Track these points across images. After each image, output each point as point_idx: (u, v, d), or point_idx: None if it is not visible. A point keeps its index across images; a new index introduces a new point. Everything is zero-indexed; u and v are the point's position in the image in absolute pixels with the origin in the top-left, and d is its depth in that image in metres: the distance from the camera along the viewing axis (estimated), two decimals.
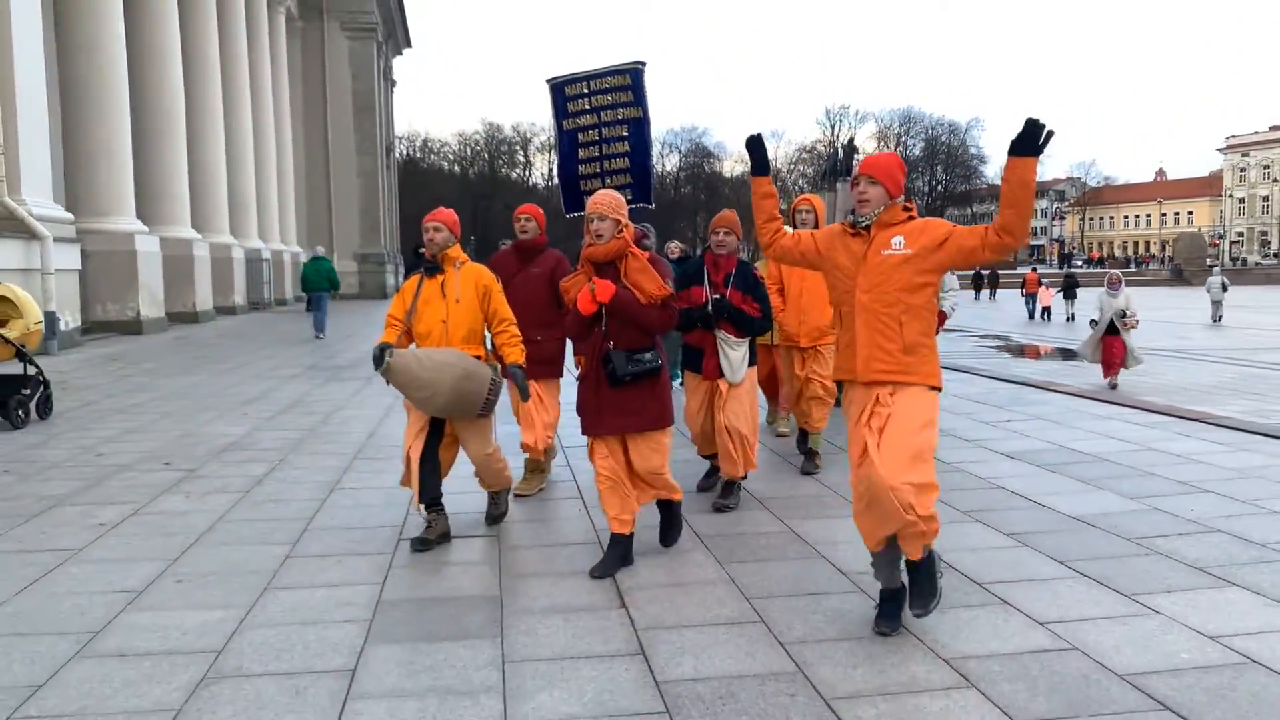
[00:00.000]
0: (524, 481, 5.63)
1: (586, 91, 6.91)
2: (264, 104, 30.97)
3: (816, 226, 5.92)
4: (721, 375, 5.16)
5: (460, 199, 75.75)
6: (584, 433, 4.28)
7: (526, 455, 5.59)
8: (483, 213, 78.12)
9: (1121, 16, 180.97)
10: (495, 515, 4.95)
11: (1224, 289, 24.87)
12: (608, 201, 4.20)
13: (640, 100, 6.84)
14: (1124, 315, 11.73)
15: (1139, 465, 6.05)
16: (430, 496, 4.61)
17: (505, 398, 4.97)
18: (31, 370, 8.08)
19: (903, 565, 3.45)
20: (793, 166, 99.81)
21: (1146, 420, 7.66)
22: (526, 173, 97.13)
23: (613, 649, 3.34)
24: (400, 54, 54.41)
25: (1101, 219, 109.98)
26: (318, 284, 17.86)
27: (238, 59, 27.59)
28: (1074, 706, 2.88)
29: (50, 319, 14.18)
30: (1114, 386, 11.54)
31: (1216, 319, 24.44)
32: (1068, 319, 26.20)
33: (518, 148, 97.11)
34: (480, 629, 3.52)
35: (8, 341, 8.01)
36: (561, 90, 6.97)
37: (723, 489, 5.32)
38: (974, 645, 3.33)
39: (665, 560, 4.35)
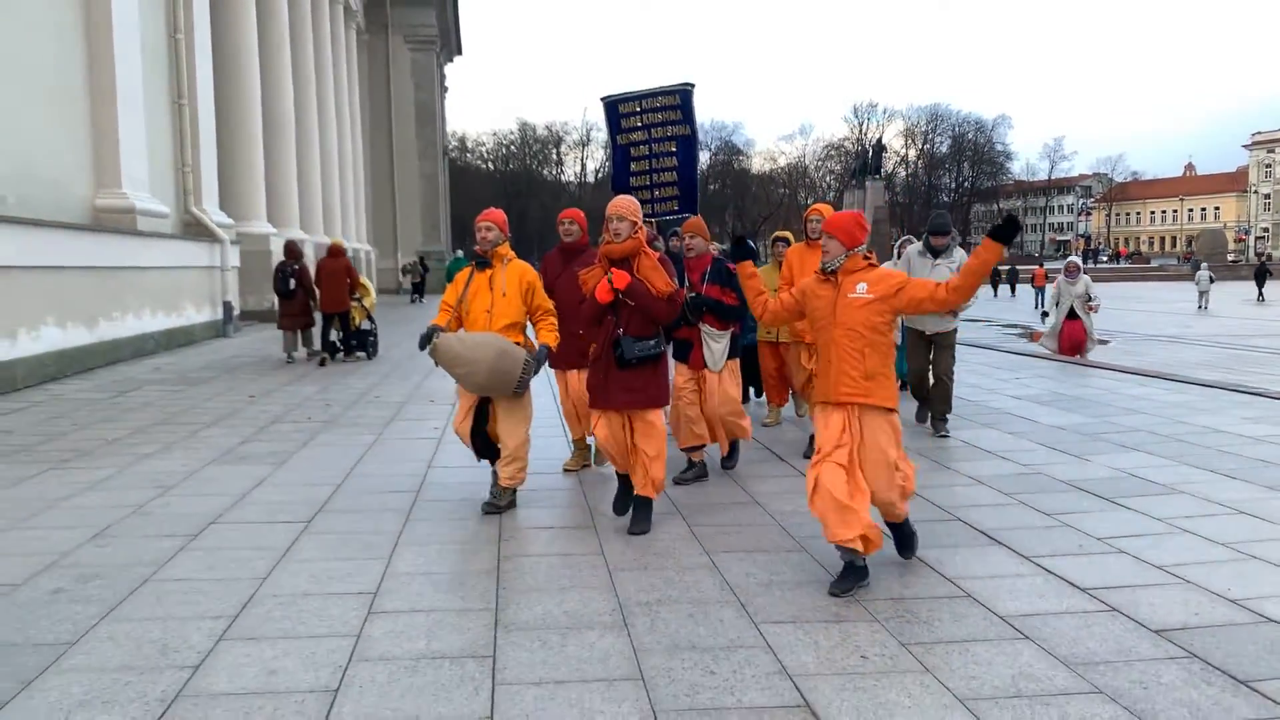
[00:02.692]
0: (572, 459, 6.39)
1: (639, 110, 7.30)
2: (343, 114, 34.04)
3: None
4: (705, 365, 5.78)
5: (496, 197, 79.00)
6: (591, 406, 4.91)
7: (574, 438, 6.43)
8: (518, 210, 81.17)
9: (1152, 11, 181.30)
10: (496, 506, 5.17)
11: (1210, 281, 28.58)
12: (626, 205, 4.68)
13: (689, 119, 7.21)
14: (1089, 300, 11.86)
15: (1103, 400, 8.81)
16: (489, 455, 5.28)
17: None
18: (371, 325, 13.22)
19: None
20: (820, 163, 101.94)
21: (1118, 377, 10.39)
22: (559, 171, 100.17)
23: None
24: (451, 61, 57.38)
25: (1128, 214, 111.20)
26: None
27: (325, 74, 30.63)
28: (1027, 488, 5.66)
29: (228, 309, 17.26)
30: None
31: (1202, 307, 27.74)
32: None
33: (551, 147, 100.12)
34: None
35: (365, 310, 12.66)
36: (615, 108, 7.38)
37: (730, 452, 6.27)
38: (976, 471, 6.10)
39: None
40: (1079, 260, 12.61)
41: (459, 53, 57.74)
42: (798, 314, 4.30)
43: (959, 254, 7.43)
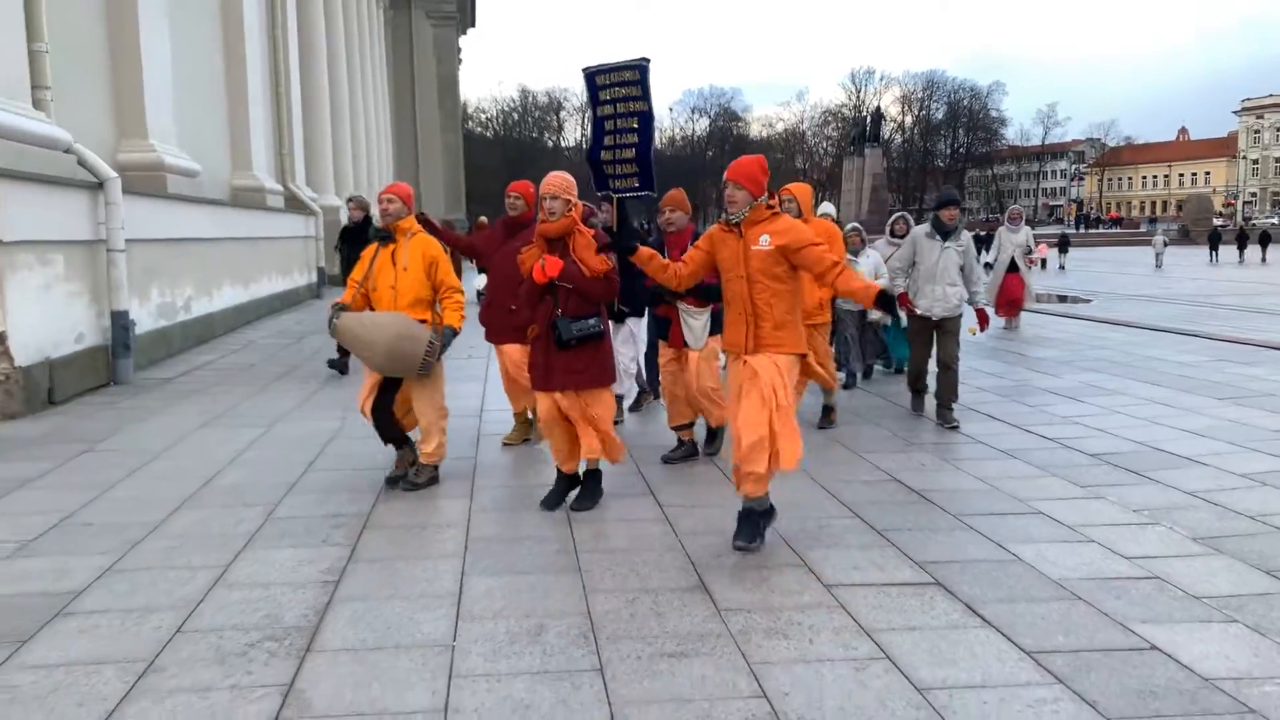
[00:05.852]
0: (512, 433, 6.41)
1: (609, 83, 7.22)
2: (377, 90, 36.23)
3: (800, 215, 6.16)
4: (685, 344, 5.68)
5: (499, 164, 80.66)
6: (533, 388, 4.88)
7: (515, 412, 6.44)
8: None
9: None
10: (412, 483, 5.06)
11: (1165, 244, 32.68)
12: (559, 183, 4.63)
13: (646, 95, 7.10)
14: (1028, 252, 11.73)
15: (1078, 341, 11.40)
16: (391, 438, 5.19)
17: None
18: None
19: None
20: (818, 129, 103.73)
21: (1090, 325, 13.02)
22: (559, 137, 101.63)
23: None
24: (465, 34, 59.13)
25: (1120, 179, 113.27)
26: None
27: (365, 53, 32.80)
28: (1017, 392, 8.21)
29: (321, 273, 19.68)
30: (1010, 325, 12.07)
31: (1158, 266, 30.85)
32: (1059, 268, 31.68)
33: (551, 114, 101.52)
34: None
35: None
36: (593, 80, 7.34)
37: (708, 437, 6.10)
38: (981, 384, 8.62)
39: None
40: (1021, 209, 12.79)
41: (473, 25, 59.50)
42: (709, 266, 4.32)
43: (965, 236, 7.20)
